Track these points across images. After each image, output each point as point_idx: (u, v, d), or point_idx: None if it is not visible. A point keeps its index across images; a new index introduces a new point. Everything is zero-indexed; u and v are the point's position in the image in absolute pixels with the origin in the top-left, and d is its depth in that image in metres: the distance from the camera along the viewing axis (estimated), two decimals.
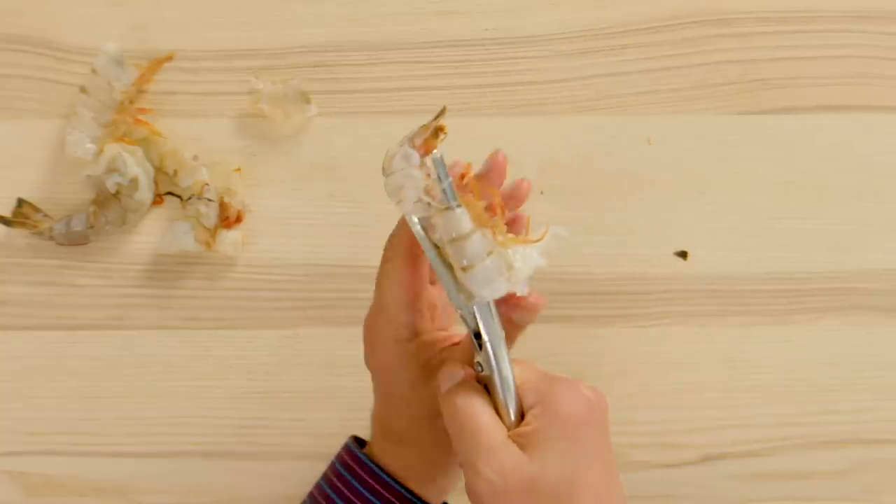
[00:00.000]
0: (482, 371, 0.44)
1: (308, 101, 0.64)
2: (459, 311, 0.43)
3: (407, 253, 0.46)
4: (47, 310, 0.64)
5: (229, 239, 0.63)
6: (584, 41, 0.66)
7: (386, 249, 0.47)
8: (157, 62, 0.65)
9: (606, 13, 0.66)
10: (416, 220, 0.44)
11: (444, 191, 0.42)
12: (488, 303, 0.43)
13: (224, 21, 0.66)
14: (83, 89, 0.63)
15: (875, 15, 0.66)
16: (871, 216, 0.65)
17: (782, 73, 0.66)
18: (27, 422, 0.63)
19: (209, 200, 0.62)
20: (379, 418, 0.50)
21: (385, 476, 0.47)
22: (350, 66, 0.65)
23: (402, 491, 0.47)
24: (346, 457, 0.50)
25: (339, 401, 0.63)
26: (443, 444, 0.46)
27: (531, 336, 0.48)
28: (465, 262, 0.42)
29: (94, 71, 0.63)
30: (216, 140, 0.65)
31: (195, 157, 0.63)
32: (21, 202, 0.64)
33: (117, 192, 0.62)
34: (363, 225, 0.64)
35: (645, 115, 0.65)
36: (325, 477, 0.50)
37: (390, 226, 0.64)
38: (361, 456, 0.48)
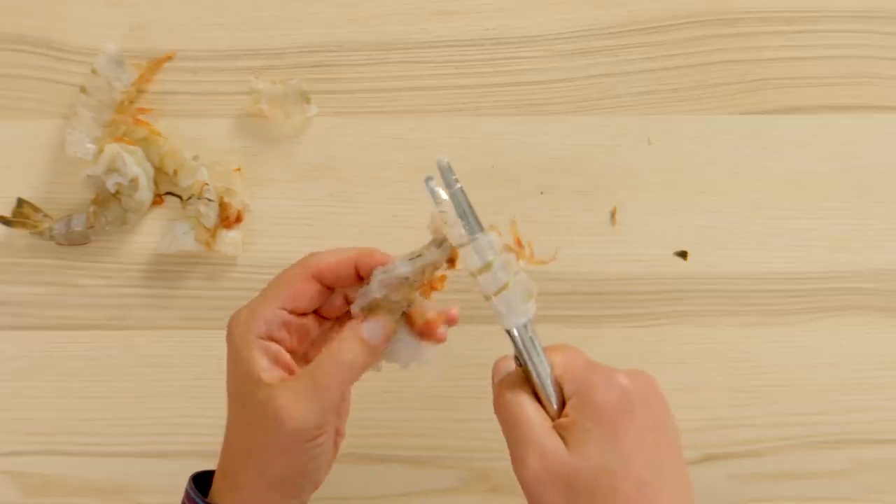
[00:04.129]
0: (520, 364, 0.45)
1: (308, 101, 0.64)
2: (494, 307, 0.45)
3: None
4: (47, 310, 0.64)
5: (229, 239, 0.63)
6: (584, 41, 0.66)
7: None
8: (157, 62, 0.65)
9: (606, 13, 0.66)
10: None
11: (468, 222, 0.44)
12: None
13: (224, 21, 0.66)
14: (83, 89, 0.63)
15: (876, 15, 0.66)
16: (871, 216, 0.65)
17: (783, 73, 0.65)
18: (27, 422, 0.63)
19: (209, 200, 0.62)
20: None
21: None
22: (350, 66, 0.65)
23: None
24: None
25: None
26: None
27: None
28: (494, 289, 0.44)
29: (94, 71, 0.63)
30: (216, 140, 0.65)
31: (195, 157, 0.63)
32: (21, 202, 0.64)
33: (117, 192, 0.62)
34: (363, 225, 0.64)
35: (645, 115, 0.65)
36: None
37: (390, 226, 0.64)
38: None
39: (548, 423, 0.43)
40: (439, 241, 0.46)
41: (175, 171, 0.63)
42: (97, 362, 0.63)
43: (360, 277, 0.47)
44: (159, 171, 0.64)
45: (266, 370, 0.45)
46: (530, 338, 0.44)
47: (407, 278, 0.45)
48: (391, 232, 0.63)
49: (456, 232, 0.44)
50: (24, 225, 0.63)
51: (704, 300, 0.64)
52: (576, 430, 0.42)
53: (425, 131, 0.65)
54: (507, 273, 0.44)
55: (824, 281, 0.64)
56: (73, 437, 0.63)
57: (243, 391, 0.45)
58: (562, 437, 0.42)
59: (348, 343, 0.45)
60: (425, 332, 0.47)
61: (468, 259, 0.44)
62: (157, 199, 0.64)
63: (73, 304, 0.64)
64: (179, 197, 0.64)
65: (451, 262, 0.46)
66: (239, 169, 0.64)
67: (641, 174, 0.65)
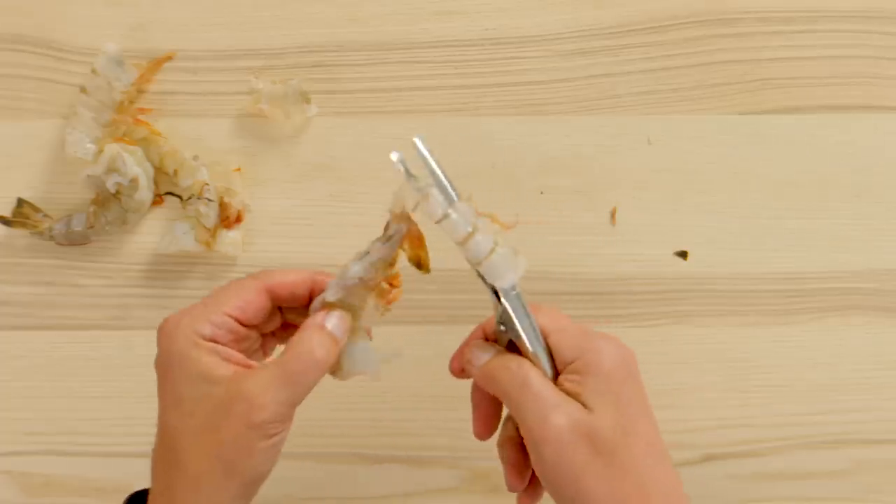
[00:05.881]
0: (505, 331, 0.45)
1: (308, 101, 0.64)
2: (477, 270, 0.45)
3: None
4: (47, 310, 0.64)
5: (229, 239, 0.63)
6: (584, 41, 0.66)
7: None
8: (157, 62, 0.65)
9: (606, 13, 0.66)
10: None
11: (442, 195, 0.44)
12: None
13: (224, 21, 0.66)
14: (83, 89, 0.63)
15: (876, 15, 0.66)
16: (871, 216, 0.65)
17: (783, 73, 0.65)
18: (27, 422, 0.63)
19: (209, 200, 0.62)
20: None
21: None
22: (350, 66, 0.65)
23: None
24: None
25: (339, 401, 0.63)
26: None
27: None
28: (483, 254, 0.44)
29: (94, 71, 0.63)
30: (216, 140, 0.65)
31: (195, 157, 0.63)
32: (21, 202, 0.64)
33: (117, 192, 0.62)
34: (363, 225, 0.64)
35: (645, 115, 0.65)
36: None
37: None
38: None
39: (556, 387, 0.44)
40: (386, 237, 0.46)
41: (175, 171, 0.63)
42: (97, 362, 0.63)
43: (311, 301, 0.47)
44: (159, 171, 0.64)
45: (220, 367, 0.43)
46: (521, 303, 0.45)
47: (361, 278, 0.45)
48: None
49: (435, 202, 0.43)
50: (24, 225, 0.63)
51: (704, 300, 0.64)
52: (588, 393, 0.43)
53: (425, 131, 0.64)
54: (489, 238, 0.44)
55: (824, 281, 0.64)
56: (73, 437, 0.63)
57: (194, 394, 0.43)
58: (574, 396, 0.44)
59: (315, 333, 0.44)
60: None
61: (455, 228, 0.44)
62: (157, 199, 0.64)
63: (73, 304, 0.64)
64: (179, 197, 0.64)
65: (392, 263, 0.46)
66: (239, 169, 0.64)
67: (641, 174, 0.65)
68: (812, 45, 0.66)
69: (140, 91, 0.65)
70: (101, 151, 0.62)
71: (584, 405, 0.43)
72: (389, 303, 0.47)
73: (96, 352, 0.63)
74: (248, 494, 0.45)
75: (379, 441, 0.63)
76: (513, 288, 0.45)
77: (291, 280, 0.46)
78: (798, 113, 0.65)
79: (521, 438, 0.46)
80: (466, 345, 0.48)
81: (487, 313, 0.60)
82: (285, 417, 0.43)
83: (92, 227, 0.63)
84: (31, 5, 0.65)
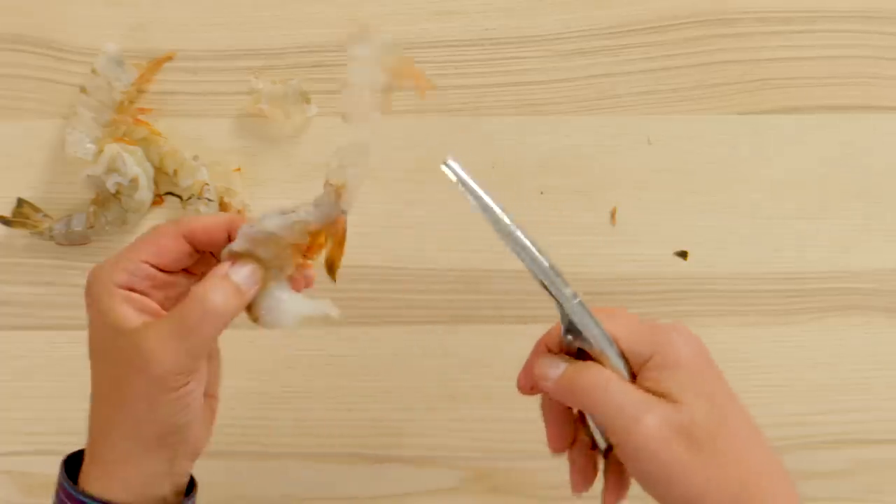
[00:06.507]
0: (573, 339, 0.45)
1: (308, 101, 0.64)
2: (540, 281, 0.44)
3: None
4: (47, 310, 0.64)
5: None
6: (584, 41, 0.66)
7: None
8: (157, 62, 0.65)
9: (606, 13, 0.66)
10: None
11: None
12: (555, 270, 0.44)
13: (224, 21, 0.66)
14: (83, 89, 0.63)
15: (875, 15, 0.66)
16: (871, 216, 0.65)
17: (782, 73, 0.66)
18: (27, 422, 0.63)
19: (209, 200, 0.62)
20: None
21: None
22: None
23: None
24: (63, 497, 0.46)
25: (339, 400, 0.63)
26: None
27: (533, 336, 0.48)
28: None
29: (94, 71, 0.63)
30: (216, 140, 0.65)
31: (195, 157, 0.63)
32: (21, 202, 0.64)
33: (117, 192, 0.62)
34: (363, 225, 0.64)
35: (645, 115, 0.65)
36: None
37: (390, 225, 0.64)
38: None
39: (637, 389, 0.43)
40: (319, 201, 0.44)
41: (175, 171, 0.63)
42: None
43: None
44: (159, 171, 0.64)
45: (129, 318, 0.43)
46: (586, 310, 0.44)
47: (273, 234, 0.44)
48: (391, 232, 0.63)
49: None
50: (24, 225, 0.63)
51: (704, 300, 0.64)
52: (673, 388, 0.42)
53: (425, 131, 0.65)
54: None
55: (824, 281, 0.64)
56: (73, 437, 0.62)
57: (105, 344, 0.43)
58: (657, 393, 0.43)
59: (214, 283, 0.43)
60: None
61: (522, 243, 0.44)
62: (157, 199, 0.64)
63: (73, 304, 0.63)
64: (179, 197, 0.64)
65: (311, 248, 0.45)
66: (239, 169, 0.64)
67: (641, 174, 0.65)
68: (811, 46, 0.66)
69: (140, 91, 0.65)
70: (101, 151, 0.62)
71: (670, 401, 0.42)
72: (305, 280, 0.46)
73: None
74: (170, 447, 0.44)
75: (379, 441, 0.63)
76: (574, 295, 0.44)
77: (208, 224, 0.45)
78: (797, 113, 0.65)
79: (592, 442, 0.46)
80: (533, 361, 0.46)
81: (489, 313, 0.60)
82: (187, 369, 0.42)
83: (92, 227, 0.63)
84: (31, 5, 0.65)
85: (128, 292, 0.43)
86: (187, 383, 0.43)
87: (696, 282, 0.64)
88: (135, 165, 0.62)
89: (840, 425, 0.63)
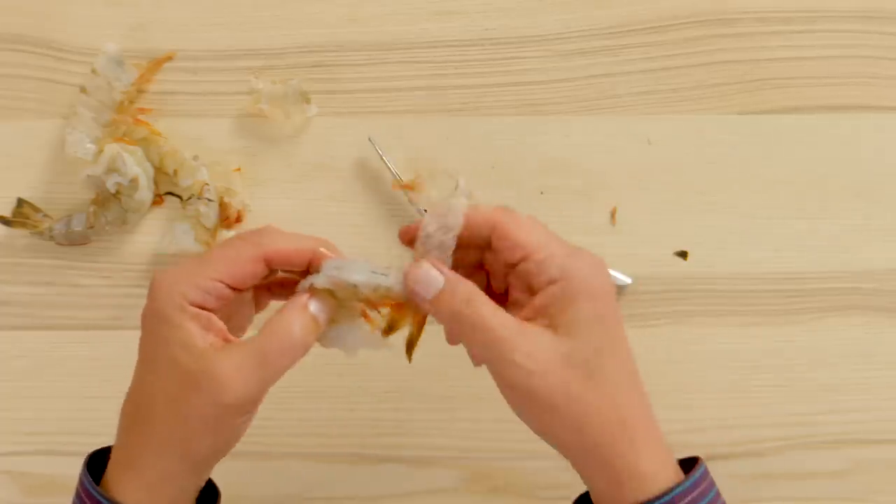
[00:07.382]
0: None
1: (308, 101, 0.64)
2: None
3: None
4: (47, 310, 0.64)
5: None
6: (584, 41, 0.66)
7: None
8: (157, 62, 0.65)
9: (606, 13, 0.66)
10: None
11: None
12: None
13: (224, 21, 0.66)
14: (83, 89, 0.63)
15: (876, 15, 0.66)
16: (871, 216, 0.65)
17: (782, 73, 0.66)
18: (27, 422, 0.63)
19: (209, 200, 0.62)
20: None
21: None
22: (350, 66, 0.65)
23: None
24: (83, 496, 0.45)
25: (339, 400, 0.63)
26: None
27: None
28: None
29: (94, 71, 0.63)
30: (216, 140, 0.65)
31: (195, 157, 0.63)
32: (21, 202, 0.64)
33: (117, 192, 0.62)
34: (363, 225, 0.64)
35: (645, 115, 0.65)
36: None
37: (391, 225, 0.64)
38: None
39: (511, 317, 0.42)
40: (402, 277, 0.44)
41: (175, 171, 0.63)
42: (97, 362, 0.63)
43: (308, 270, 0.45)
44: (159, 171, 0.64)
45: (198, 337, 0.42)
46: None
47: (356, 286, 0.44)
48: (391, 232, 0.63)
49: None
50: (24, 225, 0.63)
51: (704, 300, 0.64)
52: (567, 315, 0.42)
53: (425, 131, 0.65)
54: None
55: (824, 281, 0.64)
56: (73, 437, 0.63)
57: (167, 359, 0.42)
58: (550, 318, 0.42)
59: (298, 317, 0.43)
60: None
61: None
62: (157, 199, 0.64)
63: (73, 304, 0.64)
64: (179, 197, 0.64)
65: (400, 306, 0.45)
66: (239, 169, 0.64)
67: (641, 174, 0.65)
68: (811, 46, 0.66)
69: (140, 91, 0.65)
70: (101, 151, 0.62)
71: (561, 328, 0.42)
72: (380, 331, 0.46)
73: (96, 352, 0.63)
74: (211, 467, 0.44)
75: (379, 441, 0.63)
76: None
77: (291, 252, 0.44)
78: (797, 113, 0.65)
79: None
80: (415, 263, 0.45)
81: None
82: (256, 399, 0.42)
83: (92, 227, 0.63)
84: (31, 5, 0.66)
85: (198, 310, 0.42)
86: (250, 411, 0.43)
87: (696, 282, 0.64)
88: (135, 165, 0.62)
89: (840, 425, 0.63)
